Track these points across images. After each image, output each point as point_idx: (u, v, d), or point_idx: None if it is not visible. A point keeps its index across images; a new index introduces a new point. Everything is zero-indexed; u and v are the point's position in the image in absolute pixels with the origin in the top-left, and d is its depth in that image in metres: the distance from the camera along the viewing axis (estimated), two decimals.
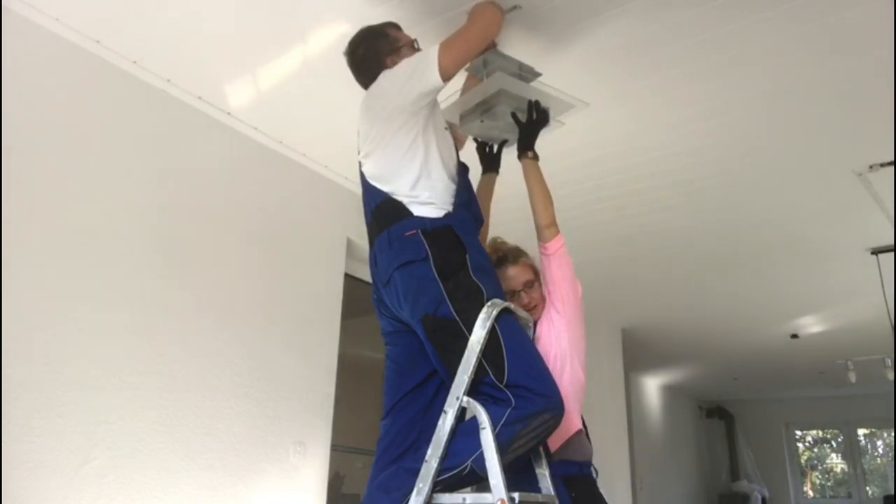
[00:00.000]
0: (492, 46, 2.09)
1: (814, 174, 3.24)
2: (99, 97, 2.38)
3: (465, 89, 2.13)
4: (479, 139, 2.18)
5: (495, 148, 2.19)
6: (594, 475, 1.86)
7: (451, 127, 1.98)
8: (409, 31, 1.97)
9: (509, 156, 2.12)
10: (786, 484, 10.50)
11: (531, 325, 1.74)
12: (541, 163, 1.94)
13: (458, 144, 2.02)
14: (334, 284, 3.17)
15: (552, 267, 1.85)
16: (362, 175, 1.83)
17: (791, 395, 10.51)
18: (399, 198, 1.70)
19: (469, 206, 1.77)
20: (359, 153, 1.86)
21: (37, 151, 2.16)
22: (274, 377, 2.77)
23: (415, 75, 1.71)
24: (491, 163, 2.18)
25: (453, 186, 1.75)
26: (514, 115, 1.97)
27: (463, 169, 1.84)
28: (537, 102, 1.98)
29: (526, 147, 1.94)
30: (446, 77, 1.69)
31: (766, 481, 10.32)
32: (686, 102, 2.65)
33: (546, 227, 1.85)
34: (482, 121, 2.05)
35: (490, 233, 2.11)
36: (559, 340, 1.81)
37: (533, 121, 1.96)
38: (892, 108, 2.62)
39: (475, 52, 1.83)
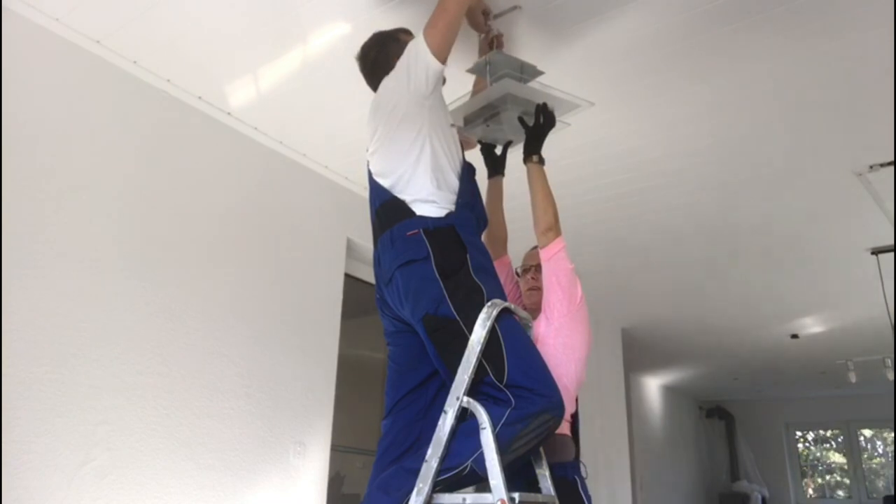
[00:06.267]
0: (500, 46, 2.08)
1: (814, 174, 3.24)
2: (99, 97, 2.38)
3: (475, 91, 2.12)
4: (484, 141, 2.18)
5: (499, 150, 2.19)
6: (579, 474, 1.82)
7: (457, 129, 1.97)
8: (412, 31, 1.97)
9: (512, 158, 2.11)
10: (786, 484, 10.51)
11: (531, 325, 1.73)
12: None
13: (466, 146, 2.01)
14: (334, 285, 3.17)
15: (546, 272, 1.82)
16: (369, 173, 1.84)
17: (791, 395, 10.52)
18: (402, 196, 1.71)
19: (472, 206, 1.77)
20: (367, 151, 1.87)
21: (37, 151, 2.16)
22: (274, 377, 2.77)
23: (412, 65, 1.72)
24: (496, 166, 2.18)
25: (456, 185, 1.74)
26: (521, 120, 1.96)
27: (468, 169, 1.83)
28: (545, 105, 1.96)
29: (532, 151, 1.92)
30: (441, 57, 1.69)
31: (766, 481, 10.33)
32: (686, 103, 2.65)
33: (543, 232, 1.83)
34: (487, 125, 2.04)
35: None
36: (544, 345, 1.79)
37: (540, 124, 1.95)
38: (892, 108, 2.62)
39: (458, 22, 1.76)
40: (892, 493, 9.42)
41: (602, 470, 5.33)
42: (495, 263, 1.86)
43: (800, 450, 11.08)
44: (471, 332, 1.50)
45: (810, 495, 10.71)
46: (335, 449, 3.01)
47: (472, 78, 2.16)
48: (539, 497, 1.56)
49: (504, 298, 1.60)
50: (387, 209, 1.73)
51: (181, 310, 2.48)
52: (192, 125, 2.68)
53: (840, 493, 10.56)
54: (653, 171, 3.21)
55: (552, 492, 1.59)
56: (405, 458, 1.66)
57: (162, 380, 2.36)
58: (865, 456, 10.52)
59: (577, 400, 1.89)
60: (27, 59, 2.19)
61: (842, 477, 10.68)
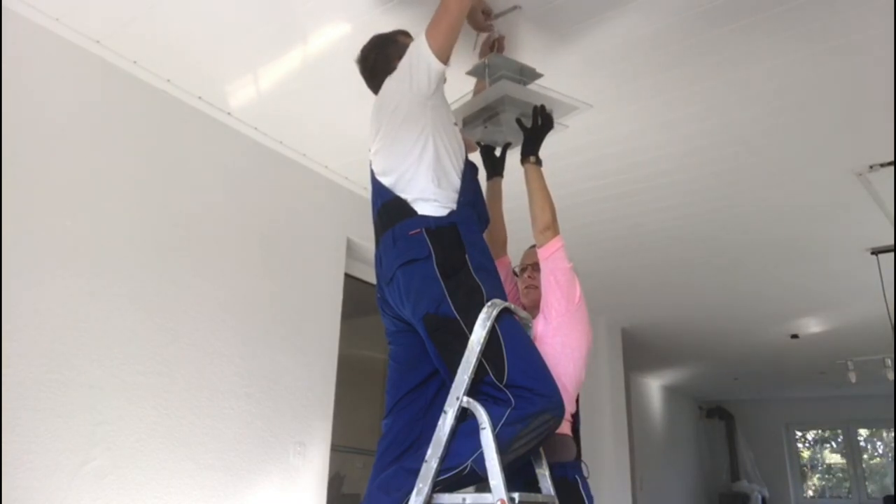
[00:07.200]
0: (500, 49, 2.08)
1: (814, 174, 3.24)
2: (99, 97, 2.38)
3: (475, 93, 2.12)
4: (483, 143, 2.18)
5: (498, 151, 2.19)
6: (580, 474, 1.81)
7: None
8: (411, 32, 1.97)
9: (511, 158, 2.11)
10: (786, 484, 10.51)
11: (531, 325, 1.73)
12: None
13: (468, 149, 2.02)
14: (334, 284, 3.17)
15: (545, 271, 1.82)
16: (371, 172, 1.84)
17: (791, 395, 10.51)
18: (404, 195, 1.71)
19: (475, 205, 1.77)
20: (370, 151, 1.88)
21: (37, 151, 2.16)
22: (274, 377, 2.77)
23: (414, 66, 1.73)
24: (495, 168, 2.18)
25: (458, 183, 1.74)
26: (519, 121, 1.96)
27: (471, 168, 1.83)
28: (542, 107, 1.96)
29: (529, 152, 1.93)
30: (443, 57, 1.69)
31: (766, 481, 10.32)
32: (686, 103, 2.65)
33: (540, 231, 1.83)
34: (486, 126, 2.04)
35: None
36: (542, 344, 1.79)
37: (538, 126, 1.95)
38: (893, 108, 2.62)
39: (459, 22, 1.75)
40: (892, 492, 9.42)
41: (602, 470, 5.33)
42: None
43: (800, 450, 11.07)
44: (471, 331, 1.50)
45: (810, 495, 10.71)
46: (335, 449, 3.01)
47: (473, 78, 2.16)
48: (539, 497, 1.56)
49: (504, 298, 1.60)
50: (388, 208, 1.73)
51: (181, 310, 2.48)
52: (192, 125, 2.68)
53: (840, 493, 10.56)
54: (652, 171, 3.21)
55: (552, 492, 1.59)
56: (405, 457, 1.66)
57: (162, 380, 2.36)
58: (865, 456, 10.52)
59: (577, 400, 1.89)
60: (27, 59, 2.18)
61: (841, 477, 10.68)
